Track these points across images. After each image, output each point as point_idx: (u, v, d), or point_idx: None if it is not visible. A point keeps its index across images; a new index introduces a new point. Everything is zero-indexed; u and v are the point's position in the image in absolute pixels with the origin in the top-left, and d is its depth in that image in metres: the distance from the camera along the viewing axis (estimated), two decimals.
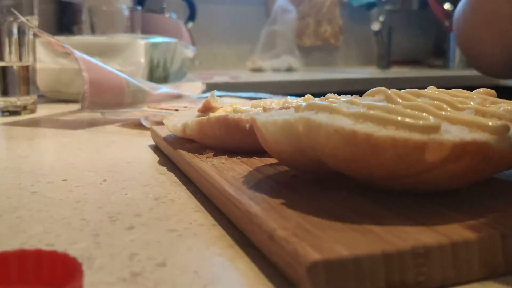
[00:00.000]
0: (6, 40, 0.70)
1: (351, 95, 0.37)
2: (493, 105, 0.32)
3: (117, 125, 0.64)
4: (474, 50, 0.83)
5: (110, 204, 0.32)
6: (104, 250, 0.25)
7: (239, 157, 0.37)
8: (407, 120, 0.25)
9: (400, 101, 0.29)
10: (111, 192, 0.35)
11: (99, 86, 0.65)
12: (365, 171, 0.25)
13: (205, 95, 0.83)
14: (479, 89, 0.35)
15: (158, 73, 0.94)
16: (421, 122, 0.24)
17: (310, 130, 0.25)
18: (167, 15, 1.51)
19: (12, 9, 0.66)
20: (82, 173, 0.40)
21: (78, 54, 0.68)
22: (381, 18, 2.08)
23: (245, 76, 1.70)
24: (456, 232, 0.22)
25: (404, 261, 0.20)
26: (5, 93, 0.72)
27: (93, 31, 1.02)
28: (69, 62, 0.85)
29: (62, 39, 0.80)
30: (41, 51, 0.85)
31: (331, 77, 1.73)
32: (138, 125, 0.63)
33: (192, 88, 0.85)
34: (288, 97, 0.50)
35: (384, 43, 2.08)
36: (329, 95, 0.39)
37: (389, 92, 0.30)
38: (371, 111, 0.26)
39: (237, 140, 0.38)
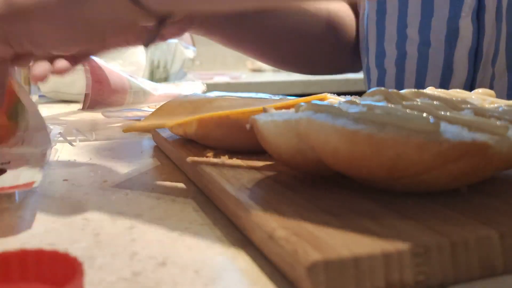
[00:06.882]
0: None
1: (351, 95, 0.37)
2: (492, 105, 0.32)
3: (117, 125, 0.64)
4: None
5: (111, 204, 0.32)
6: (105, 249, 0.25)
7: (239, 157, 0.37)
8: (407, 120, 0.25)
9: (400, 101, 0.29)
10: (111, 192, 0.35)
11: (102, 86, 0.66)
12: (365, 171, 0.25)
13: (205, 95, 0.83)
14: (478, 89, 0.36)
15: (158, 73, 0.94)
16: (420, 122, 0.25)
17: (311, 130, 0.26)
18: None
19: None
20: (83, 173, 0.40)
21: None
22: None
23: (245, 77, 1.70)
24: (455, 232, 0.22)
25: (404, 260, 0.21)
26: None
27: None
28: None
29: None
30: None
31: (331, 77, 1.73)
32: None
33: (192, 88, 0.85)
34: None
35: None
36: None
37: (389, 92, 0.30)
38: (371, 112, 0.26)
39: (237, 140, 0.38)
